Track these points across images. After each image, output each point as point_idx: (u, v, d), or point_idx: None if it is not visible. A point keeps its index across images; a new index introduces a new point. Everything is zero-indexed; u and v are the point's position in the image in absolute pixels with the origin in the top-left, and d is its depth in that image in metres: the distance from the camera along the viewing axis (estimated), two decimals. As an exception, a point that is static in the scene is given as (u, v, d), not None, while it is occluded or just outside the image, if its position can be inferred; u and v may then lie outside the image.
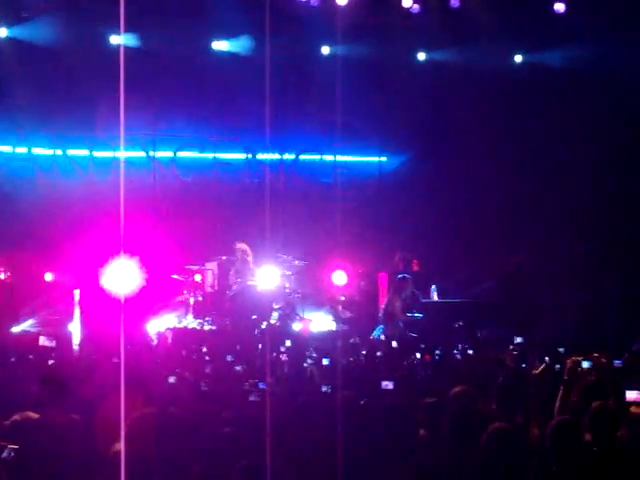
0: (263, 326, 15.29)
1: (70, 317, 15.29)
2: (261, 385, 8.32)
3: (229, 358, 10.38)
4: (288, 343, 11.64)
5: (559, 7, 17.92)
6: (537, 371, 8.28)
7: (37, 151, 18.24)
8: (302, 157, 19.63)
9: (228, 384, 8.95)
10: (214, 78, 18.39)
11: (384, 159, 20.03)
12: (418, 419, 7.44)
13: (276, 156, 19.46)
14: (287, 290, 16.73)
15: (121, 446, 5.92)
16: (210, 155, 19.21)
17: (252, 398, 7.72)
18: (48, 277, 16.80)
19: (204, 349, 11.55)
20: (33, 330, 14.89)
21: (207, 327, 16.08)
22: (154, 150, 18.76)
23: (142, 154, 18.61)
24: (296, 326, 16.09)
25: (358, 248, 17.38)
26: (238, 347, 11.88)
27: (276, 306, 16.40)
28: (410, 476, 6.37)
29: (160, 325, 15.61)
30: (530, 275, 17.11)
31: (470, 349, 11.69)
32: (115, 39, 17.56)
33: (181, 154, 19.02)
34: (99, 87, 15.75)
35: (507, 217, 18.38)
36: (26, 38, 17.40)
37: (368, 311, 16.89)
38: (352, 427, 6.87)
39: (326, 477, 6.53)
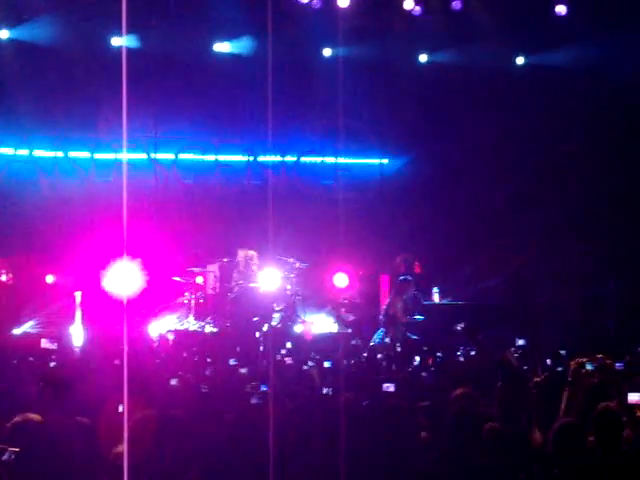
0: (265, 328, 15.27)
1: (71, 319, 15.28)
2: (263, 387, 8.30)
3: (232, 362, 10.36)
4: (289, 345, 11.63)
5: (560, 9, 17.91)
6: (539, 379, 8.28)
7: (39, 153, 18.23)
8: (303, 159, 19.62)
9: (229, 386, 8.95)
10: (216, 80, 18.38)
11: (385, 161, 20.02)
12: (419, 421, 7.43)
13: (277, 158, 19.46)
14: (288, 292, 16.72)
15: (124, 448, 5.91)
16: (212, 157, 19.21)
17: (254, 401, 7.70)
18: (49, 279, 16.80)
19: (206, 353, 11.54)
20: (34, 332, 14.89)
21: (208, 329, 16.08)
22: (155, 152, 18.75)
23: (144, 156, 18.60)
24: (297, 328, 16.09)
25: (359, 250, 17.38)
26: (238, 349, 11.86)
27: (277, 308, 16.39)
28: (411, 478, 6.37)
29: (161, 327, 15.60)
30: (532, 276, 17.12)
31: (472, 351, 11.68)
32: (117, 41, 17.56)
33: (183, 156, 19.01)
34: (101, 89, 15.76)
35: (509, 219, 18.37)
36: (28, 40, 17.40)
37: (370, 313, 16.89)
38: (353, 429, 6.86)
39: (328, 478, 6.53)
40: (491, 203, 18.45)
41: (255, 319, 15.84)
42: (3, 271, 15.95)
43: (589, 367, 8.07)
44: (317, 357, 10.91)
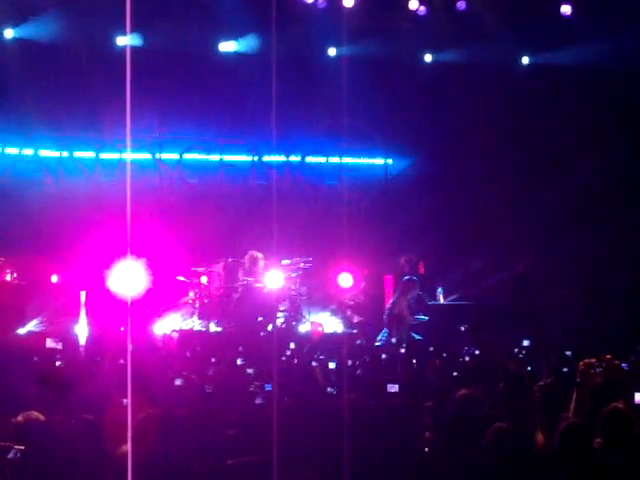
0: (269, 328, 15.27)
1: (76, 319, 15.29)
2: (267, 387, 8.30)
3: (239, 361, 10.35)
4: (292, 345, 11.63)
5: (565, 9, 17.89)
6: (544, 383, 8.26)
7: (44, 153, 18.25)
8: (308, 159, 19.62)
9: (234, 386, 8.94)
10: (220, 80, 18.38)
11: (390, 161, 20.00)
12: (423, 422, 7.43)
13: (282, 158, 19.46)
14: (293, 292, 16.72)
15: (128, 447, 5.91)
16: (216, 157, 19.21)
17: (258, 401, 7.70)
18: (54, 279, 16.79)
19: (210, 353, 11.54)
20: (39, 331, 14.89)
21: (213, 329, 16.08)
22: (160, 152, 18.77)
23: (148, 156, 18.62)
24: (302, 328, 16.09)
25: (364, 250, 17.37)
26: (240, 348, 11.85)
27: (281, 307, 16.39)
28: (415, 479, 6.36)
29: (166, 327, 15.61)
30: (538, 277, 17.11)
31: (476, 351, 11.67)
32: (121, 40, 17.57)
33: (187, 156, 19.02)
34: (105, 89, 15.75)
35: (514, 219, 18.36)
36: (32, 39, 17.41)
37: (374, 313, 16.88)
38: (358, 429, 6.85)
39: (331, 478, 6.53)
40: (496, 202, 18.43)
41: (260, 319, 15.84)
42: (8, 271, 15.96)
43: (597, 367, 8.05)
44: (321, 357, 10.91)
